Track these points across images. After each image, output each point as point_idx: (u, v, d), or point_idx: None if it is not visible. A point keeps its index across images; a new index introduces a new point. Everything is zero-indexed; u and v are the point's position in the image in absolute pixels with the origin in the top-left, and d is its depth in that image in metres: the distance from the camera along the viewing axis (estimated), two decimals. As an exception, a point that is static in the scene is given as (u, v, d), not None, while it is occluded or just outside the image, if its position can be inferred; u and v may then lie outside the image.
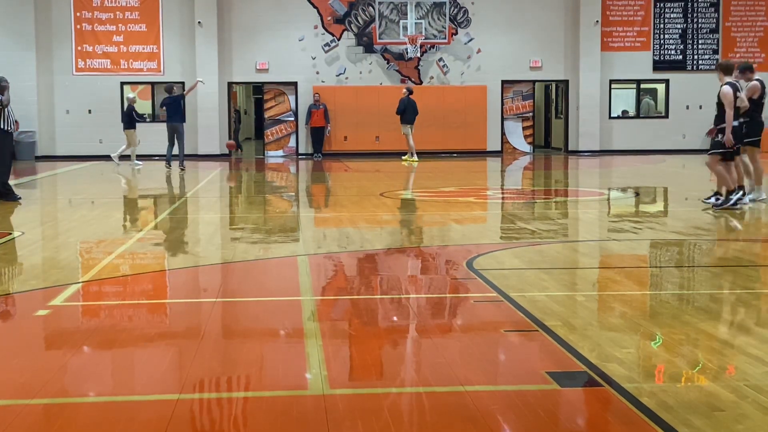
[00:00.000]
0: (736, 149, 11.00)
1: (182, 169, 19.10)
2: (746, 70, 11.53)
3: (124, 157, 20.84)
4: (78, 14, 23.95)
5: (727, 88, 10.78)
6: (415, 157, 21.64)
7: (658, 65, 25.41)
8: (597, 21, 24.83)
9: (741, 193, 11.05)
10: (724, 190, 11.13)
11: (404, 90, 22.20)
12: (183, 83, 24.24)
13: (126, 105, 21.39)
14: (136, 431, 3.49)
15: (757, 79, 11.40)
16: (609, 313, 5.54)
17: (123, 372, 4.47)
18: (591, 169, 20.17)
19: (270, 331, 5.23)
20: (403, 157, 21.82)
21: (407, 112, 21.68)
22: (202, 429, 3.59)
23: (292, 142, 25.01)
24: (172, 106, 19.40)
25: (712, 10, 25.47)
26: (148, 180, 17.65)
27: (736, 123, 10.83)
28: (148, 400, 3.90)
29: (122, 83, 24.26)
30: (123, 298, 6.25)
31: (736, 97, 10.75)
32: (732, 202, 10.87)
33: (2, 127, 12.22)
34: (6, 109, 12.24)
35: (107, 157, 21.65)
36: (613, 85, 25.20)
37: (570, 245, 8.64)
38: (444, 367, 4.30)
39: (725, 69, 11.09)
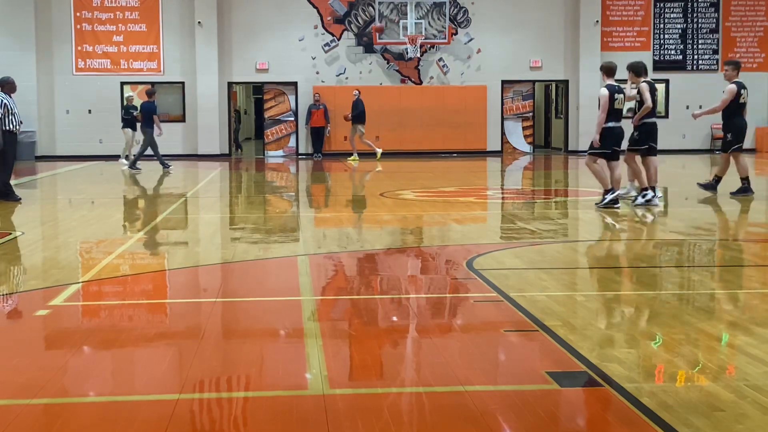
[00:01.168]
0: (623, 150, 11.33)
1: (133, 168, 18.81)
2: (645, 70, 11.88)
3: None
4: (78, 14, 23.95)
5: (604, 90, 10.99)
6: (356, 156, 22.26)
7: (658, 65, 25.39)
8: (597, 21, 24.83)
9: (651, 193, 11.34)
10: (638, 186, 11.51)
11: (354, 92, 22.59)
12: (183, 83, 24.28)
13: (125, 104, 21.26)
14: (136, 431, 3.49)
15: (645, 81, 11.58)
16: (609, 313, 5.54)
17: (123, 372, 4.47)
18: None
19: (270, 331, 5.23)
20: (350, 158, 22.13)
21: (362, 112, 22.23)
22: (202, 429, 3.59)
23: (292, 142, 25.01)
24: (148, 112, 19.13)
25: (712, 10, 25.47)
26: (148, 180, 17.64)
27: (611, 123, 10.99)
28: (148, 400, 3.90)
29: (122, 83, 24.25)
30: (123, 298, 6.25)
31: (614, 99, 10.89)
32: (606, 201, 11.03)
33: (7, 128, 12.25)
34: (12, 110, 12.28)
35: (107, 157, 21.65)
36: (613, 85, 25.18)
37: (570, 245, 8.64)
38: (444, 367, 4.30)
39: (607, 71, 11.22)
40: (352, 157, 22.25)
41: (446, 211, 11.39)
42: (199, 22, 23.79)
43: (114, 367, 4.53)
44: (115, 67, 24.17)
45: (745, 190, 12.42)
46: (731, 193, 12.49)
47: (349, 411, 3.69)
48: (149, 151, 19.42)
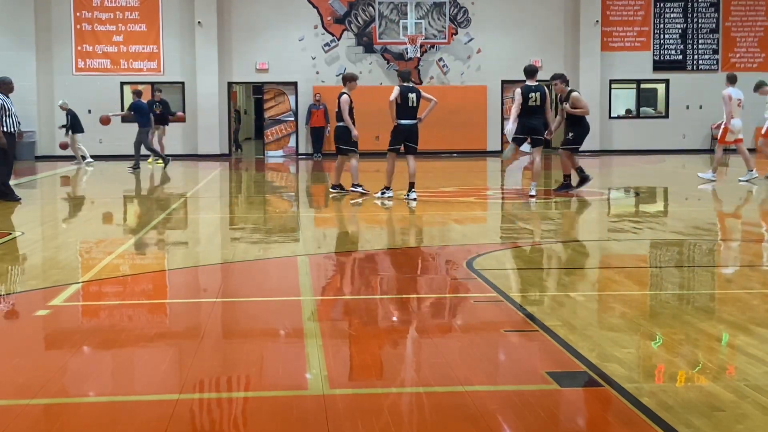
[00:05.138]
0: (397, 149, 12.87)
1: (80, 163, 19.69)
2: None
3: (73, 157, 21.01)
4: (78, 14, 23.96)
5: (345, 98, 12.87)
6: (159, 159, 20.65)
7: (658, 65, 25.40)
8: (597, 21, 24.83)
9: (390, 192, 12.78)
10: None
11: (134, 93, 20.36)
12: (183, 83, 24.28)
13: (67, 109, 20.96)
14: (136, 431, 3.49)
15: (401, 85, 12.53)
16: (609, 313, 5.54)
17: (123, 372, 4.47)
18: (591, 169, 20.12)
19: (270, 331, 5.23)
20: (150, 160, 21.01)
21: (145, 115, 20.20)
22: (202, 429, 3.59)
23: (291, 142, 25.02)
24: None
25: (712, 10, 25.47)
26: (148, 180, 17.65)
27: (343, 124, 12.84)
28: (148, 400, 3.90)
29: (122, 83, 24.26)
30: (123, 298, 6.25)
31: (351, 106, 12.74)
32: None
33: (6, 129, 12.25)
34: (10, 111, 12.28)
35: (107, 157, 21.63)
36: (613, 85, 25.19)
37: (570, 245, 8.64)
38: (444, 367, 4.30)
39: (346, 79, 13.20)
40: (152, 159, 21.00)
41: (446, 211, 11.38)
42: (199, 22, 23.79)
43: (114, 367, 4.53)
44: (115, 67, 24.17)
45: (566, 187, 13.32)
46: (554, 190, 13.41)
47: (349, 411, 3.68)
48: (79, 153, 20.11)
